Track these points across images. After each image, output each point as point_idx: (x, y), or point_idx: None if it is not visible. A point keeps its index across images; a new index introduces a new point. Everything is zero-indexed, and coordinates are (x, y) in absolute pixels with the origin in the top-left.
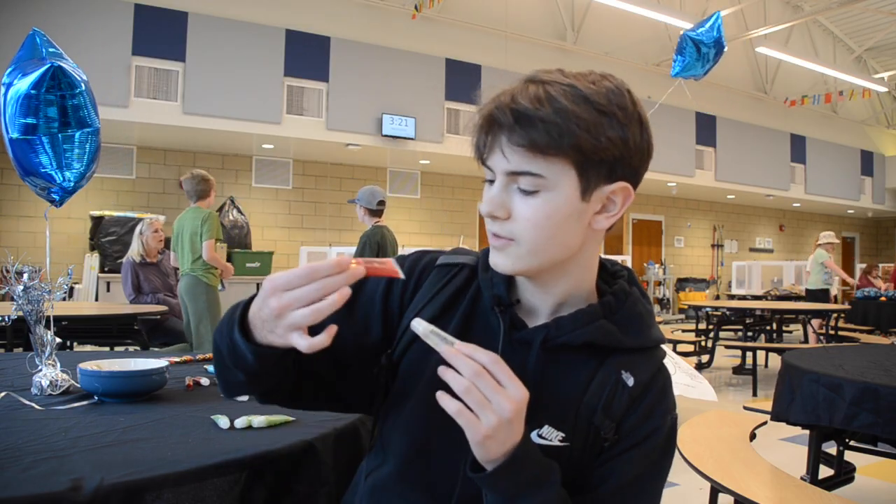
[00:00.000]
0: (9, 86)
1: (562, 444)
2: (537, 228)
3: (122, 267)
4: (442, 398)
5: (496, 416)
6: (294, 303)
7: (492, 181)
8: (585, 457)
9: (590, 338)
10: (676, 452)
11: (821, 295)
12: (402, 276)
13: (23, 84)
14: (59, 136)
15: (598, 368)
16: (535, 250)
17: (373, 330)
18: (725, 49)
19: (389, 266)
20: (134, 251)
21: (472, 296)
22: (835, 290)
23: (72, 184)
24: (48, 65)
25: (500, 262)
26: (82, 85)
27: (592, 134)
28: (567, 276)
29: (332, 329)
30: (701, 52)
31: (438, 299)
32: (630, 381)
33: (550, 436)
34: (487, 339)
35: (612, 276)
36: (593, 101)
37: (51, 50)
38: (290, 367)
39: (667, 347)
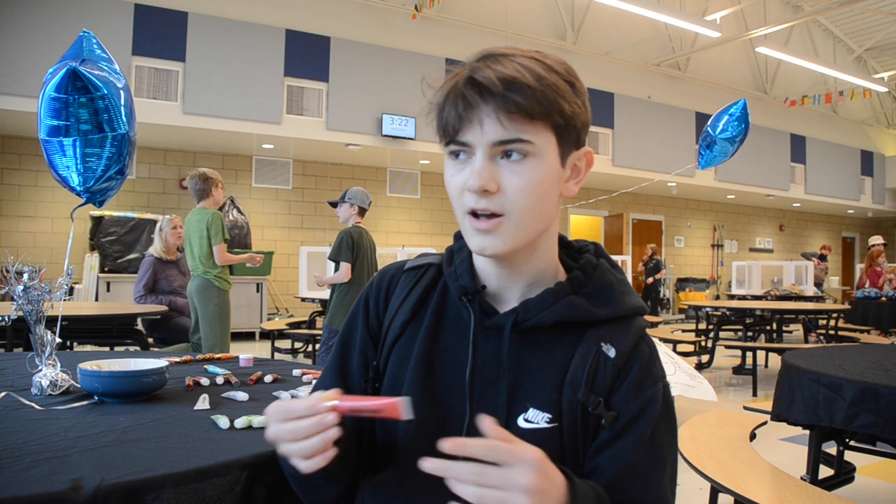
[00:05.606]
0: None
1: (550, 425)
2: (528, 197)
3: (142, 262)
4: (458, 490)
5: (521, 494)
6: (283, 436)
7: (456, 156)
8: (579, 436)
9: (559, 316)
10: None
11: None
12: (406, 416)
13: (48, 87)
14: (84, 138)
15: (578, 344)
16: (523, 223)
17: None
18: (749, 129)
19: (389, 407)
20: (156, 249)
21: (441, 291)
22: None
23: (81, 188)
24: (67, 67)
25: (490, 243)
26: (103, 88)
27: (568, 100)
28: (536, 253)
29: (330, 453)
30: (733, 144)
31: (408, 302)
32: (612, 353)
33: (536, 418)
34: (460, 330)
35: (579, 252)
36: (558, 70)
37: (99, 53)
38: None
39: (667, 347)
